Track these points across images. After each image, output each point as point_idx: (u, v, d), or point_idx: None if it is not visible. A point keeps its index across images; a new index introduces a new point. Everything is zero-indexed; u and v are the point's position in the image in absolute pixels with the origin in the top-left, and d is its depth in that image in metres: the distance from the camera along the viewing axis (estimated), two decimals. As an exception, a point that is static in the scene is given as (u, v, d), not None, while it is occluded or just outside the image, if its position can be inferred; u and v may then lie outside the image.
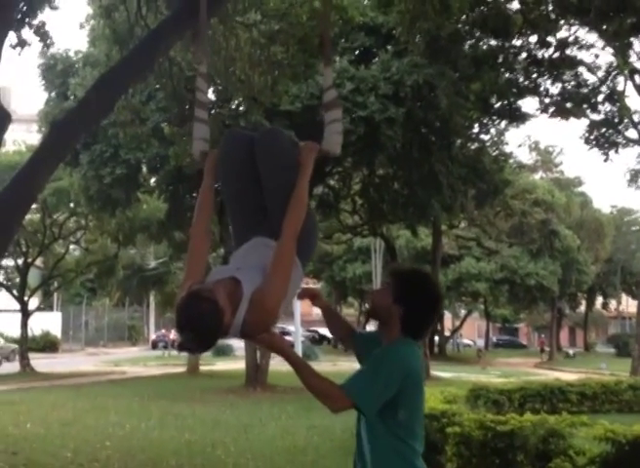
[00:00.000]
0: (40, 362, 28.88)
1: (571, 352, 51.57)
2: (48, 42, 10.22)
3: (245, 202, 3.29)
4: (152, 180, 22.04)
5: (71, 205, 26.69)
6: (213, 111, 16.72)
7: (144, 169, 20.77)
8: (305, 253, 3.19)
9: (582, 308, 60.11)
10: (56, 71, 20.87)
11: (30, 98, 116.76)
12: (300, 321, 30.54)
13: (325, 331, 62.94)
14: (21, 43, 9.15)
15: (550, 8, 14.79)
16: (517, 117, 19.34)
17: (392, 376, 2.93)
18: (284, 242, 2.95)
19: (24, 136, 28.68)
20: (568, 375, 24.02)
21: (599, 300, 61.80)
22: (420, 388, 3.03)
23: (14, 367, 27.18)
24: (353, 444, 9.73)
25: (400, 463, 2.97)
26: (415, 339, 3.09)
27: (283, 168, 3.21)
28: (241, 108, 17.47)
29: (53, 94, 21.17)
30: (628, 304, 63.49)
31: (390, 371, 2.93)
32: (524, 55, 16.79)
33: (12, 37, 8.95)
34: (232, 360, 33.17)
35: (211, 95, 15.96)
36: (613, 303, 63.44)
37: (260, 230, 3.18)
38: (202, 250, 3.24)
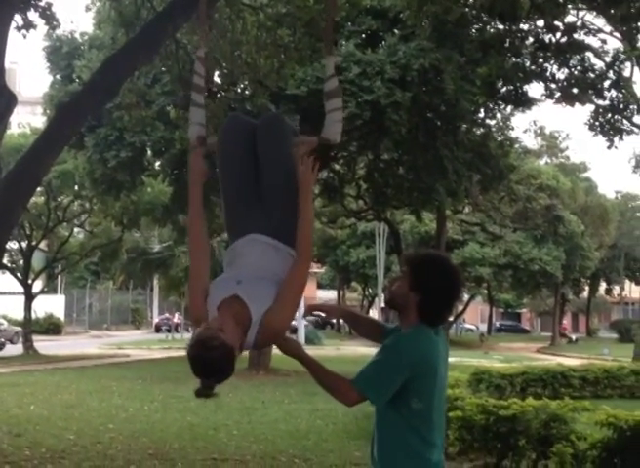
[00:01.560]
0: (44, 344, 29.00)
1: (573, 337, 51.67)
2: (53, 24, 10.20)
3: (241, 189, 3.26)
4: (157, 164, 22.01)
5: (76, 188, 26.68)
6: (218, 95, 16.69)
7: (149, 152, 20.75)
8: None
9: (586, 294, 60.14)
10: (61, 53, 20.83)
11: (35, 81, 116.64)
12: (303, 305, 30.59)
13: (328, 315, 63.04)
14: (27, 25, 9.12)
15: (558, -8, 14.69)
16: (523, 102, 19.24)
17: (400, 364, 2.90)
18: (298, 267, 2.95)
19: (29, 119, 28.64)
20: (570, 361, 24.06)
21: (602, 286, 61.79)
22: (436, 375, 2.98)
23: (17, 349, 27.30)
24: (355, 427, 9.87)
25: (403, 454, 2.94)
26: (432, 326, 3.03)
27: (283, 155, 3.21)
28: (247, 92, 17.41)
29: (58, 76, 21.14)
30: (632, 290, 63.57)
31: (397, 360, 2.91)
32: (531, 39, 16.67)
33: (17, 19, 8.94)
34: (236, 343, 33.20)
35: (216, 78, 15.90)
36: (616, 289, 63.46)
37: (253, 220, 3.14)
38: (203, 249, 3.19)
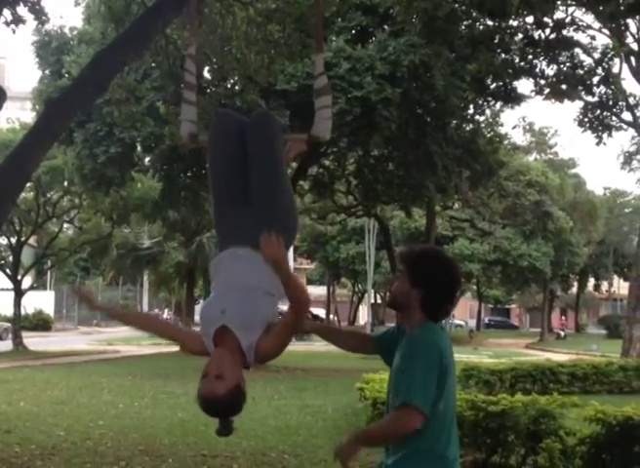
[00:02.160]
0: (33, 340, 28.90)
1: (562, 333, 51.89)
2: (43, 19, 10.16)
3: (229, 188, 3.26)
4: (147, 160, 21.97)
5: (65, 183, 26.58)
6: (208, 90, 16.66)
7: (139, 148, 20.70)
8: (289, 243, 3.25)
9: (574, 290, 60.37)
10: (50, 49, 20.74)
11: (24, 76, 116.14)
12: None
13: (318, 311, 63.16)
14: (16, 20, 9.08)
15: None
16: (512, 98, 19.31)
17: (433, 366, 2.88)
18: (292, 318, 2.92)
19: (18, 114, 28.54)
20: (559, 356, 24.16)
21: (591, 282, 62.02)
22: (452, 370, 2.99)
23: (6, 345, 27.19)
24: (345, 423, 9.86)
25: (423, 455, 2.92)
26: (436, 321, 3.04)
27: (272, 153, 3.22)
28: (237, 87, 17.41)
29: (47, 71, 21.05)
30: (620, 286, 63.72)
31: (429, 362, 2.88)
32: (520, 35, 16.73)
33: (7, 14, 8.90)
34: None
35: (206, 73, 15.87)
36: (604, 285, 63.68)
37: (239, 220, 3.16)
38: (155, 322, 3.49)
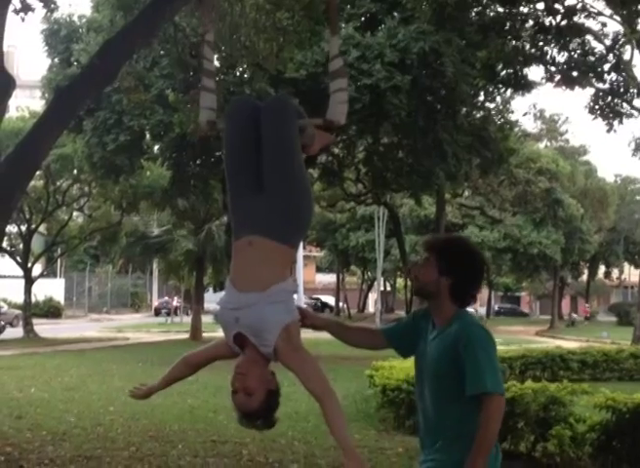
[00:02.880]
0: (43, 327, 29.08)
1: (575, 316, 52.08)
2: (51, 7, 10.14)
3: (245, 176, 3.19)
4: (156, 148, 21.95)
5: (75, 172, 26.65)
6: (217, 78, 16.62)
7: (148, 136, 20.68)
8: (301, 232, 3.26)
9: (585, 277, 60.24)
10: (59, 37, 20.73)
11: (34, 64, 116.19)
12: (302, 289, 30.65)
13: (327, 299, 63.25)
14: (25, 8, 9.06)
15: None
16: (523, 85, 19.17)
17: (495, 351, 3.03)
18: (319, 398, 3.03)
19: (28, 102, 28.56)
20: (569, 344, 24.14)
21: (601, 269, 61.90)
22: None
23: (17, 332, 27.37)
24: (354, 410, 9.83)
25: (470, 439, 2.97)
26: (464, 307, 3.12)
27: (286, 137, 3.15)
28: (245, 75, 17.36)
29: (56, 59, 21.05)
30: (631, 273, 63.59)
31: (492, 348, 3.02)
32: (531, 22, 16.60)
33: (16, 2, 8.89)
34: (235, 326, 33.27)
35: (215, 61, 15.83)
36: (615, 272, 63.54)
37: (254, 209, 3.10)
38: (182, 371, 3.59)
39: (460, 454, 2.94)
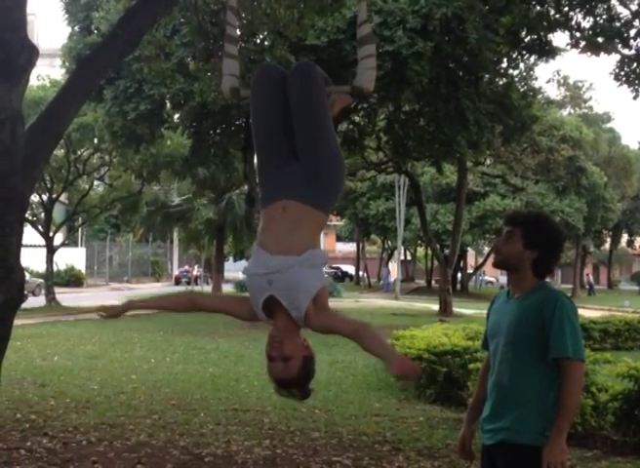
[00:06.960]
0: (65, 296, 29.33)
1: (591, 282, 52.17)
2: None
3: (273, 140, 3.19)
4: (176, 116, 21.92)
5: (95, 141, 26.67)
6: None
7: (168, 104, 20.63)
8: (334, 197, 3.23)
9: (607, 246, 59.85)
10: (79, 5, 20.60)
11: (54, 32, 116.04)
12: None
13: (347, 268, 63.31)
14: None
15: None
16: (547, 52, 18.90)
17: (578, 322, 3.20)
18: (353, 334, 3.02)
19: (48, 71, 28.48)
20: (591, 312, 24.00)
21: (624, 238, 61.45)
22: None
23: (40, 301, 27.61)
24: (375, 379, 9.87)
25: (548, 405, 3.09)
26: (544, 279, 3.29)
27: (314, 101, 3.12)
28: (266, 43, 17.22)
29: (76, 28, 20.93)
30: (653, 242, 63.13)
31: (577, 316, 3.21)
32: (556, -13, 16.32)
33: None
34: (256, 295, 33.42)
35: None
36: (638, 241, 63.06)
37: (285, 175, 3.09)
38: (184, 305, 3.66)
39: (539, 425, 3.05)
